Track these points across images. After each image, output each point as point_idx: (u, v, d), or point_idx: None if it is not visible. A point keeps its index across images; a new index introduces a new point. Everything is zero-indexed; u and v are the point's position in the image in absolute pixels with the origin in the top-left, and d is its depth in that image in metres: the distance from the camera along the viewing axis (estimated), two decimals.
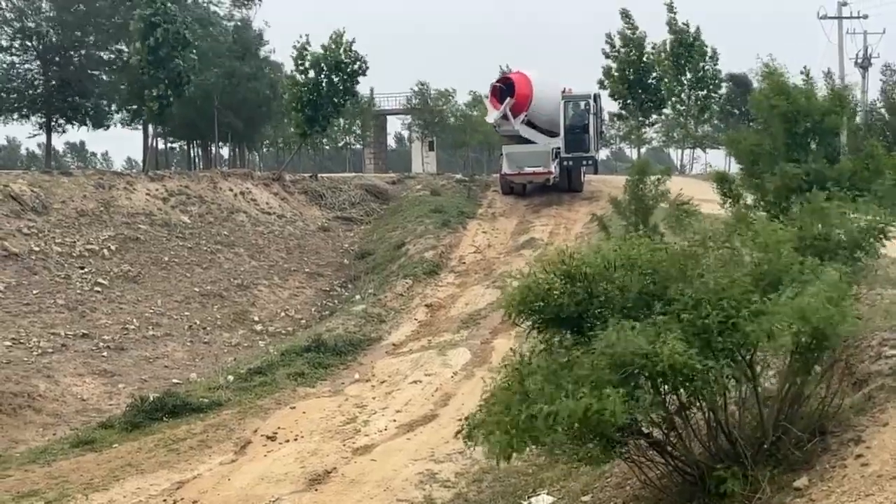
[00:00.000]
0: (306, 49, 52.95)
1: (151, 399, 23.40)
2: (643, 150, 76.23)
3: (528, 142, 49.07)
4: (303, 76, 52.98)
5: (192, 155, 79.90)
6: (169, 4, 49.55)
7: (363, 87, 73.01)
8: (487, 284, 33.61)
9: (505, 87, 48.59)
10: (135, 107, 59.43)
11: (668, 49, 63.84)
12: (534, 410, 9.58)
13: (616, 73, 64.58)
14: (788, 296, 9.76)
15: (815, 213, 12.12)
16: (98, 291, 33.49)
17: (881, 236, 12.04)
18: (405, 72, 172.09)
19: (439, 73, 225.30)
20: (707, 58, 64.27)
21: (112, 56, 61.12)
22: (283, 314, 36.23)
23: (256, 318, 35.15)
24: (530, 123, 49.15)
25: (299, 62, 53.22)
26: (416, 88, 74.33)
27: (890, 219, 12.04)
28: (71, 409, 25.66)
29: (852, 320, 9.76)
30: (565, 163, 47.85)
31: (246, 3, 70.60)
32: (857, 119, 45.92)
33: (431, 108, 71.93)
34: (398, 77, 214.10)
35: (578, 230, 39.96)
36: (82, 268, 34.67)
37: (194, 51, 52.04)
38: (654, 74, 64.24)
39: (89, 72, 59.86)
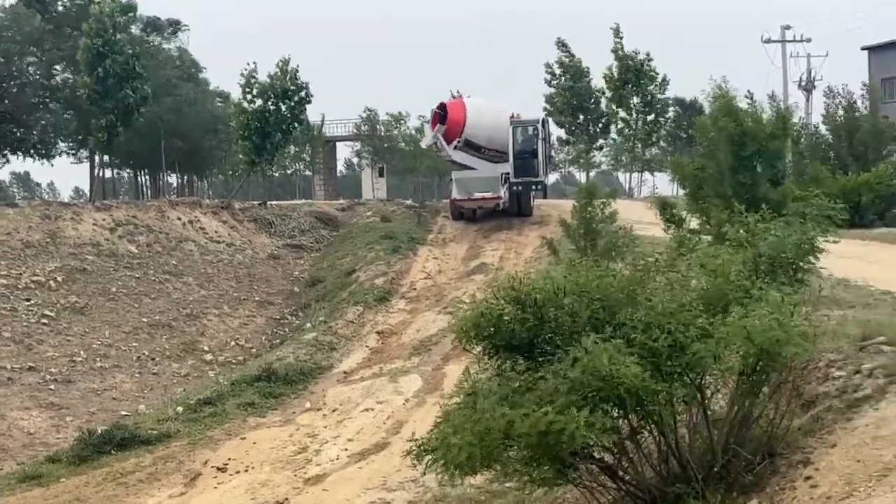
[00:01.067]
0: (254, 77, 52.85)
1: (99, 432, 23.09)
2: (592, 173, 76.67)
3: (466, 167, 49.32)
4: (250, 104, 52.77)
5: (139, 184, 79.17)
6: (118, 35, 49.18)
7: (313, 113, 73.07)
8: (439, 310, 33.54)
9: (443, 114, 48.92)
10: (81, 137, 58.78)
11: (613, 74, 64.41)
12: (492, 423, 9.55)
13: (557, 101, 65.38)
14: (734, 318, 9.82)
15: (753, 236, 12.25)
16: (45, 324, 33.09)
17: (814, 252, 12.21)
18: (357, 97, 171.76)
19: (392, 97, 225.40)
20: (656, 83, 64.89)
21: (57, 85, 60.45)
22: (233, 343, 35.94)
23: (206, 348, 34.83)
24: (475, 148, 49.35)
25: (247, 90, 53.05)
26: (364, 115, 74.40)
27: (815, 233, 12.22)
28: (17, 444, 25.29)
29: (798, 341, 9.83)
30: (515, 188, 48.01)
31: (175, 31, 70.46)
32: (802, 142, 46.71)
33: (380, 134, 71.87)
34: (350, 102, 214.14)
35: (529, 254, 40.03)
36: (28, 300, 34.24)
37: (148, 82, 51.77)
38: (594, 99, 65.09)
39: (33, 101, 59.11)
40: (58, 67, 60.07)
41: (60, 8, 60.21)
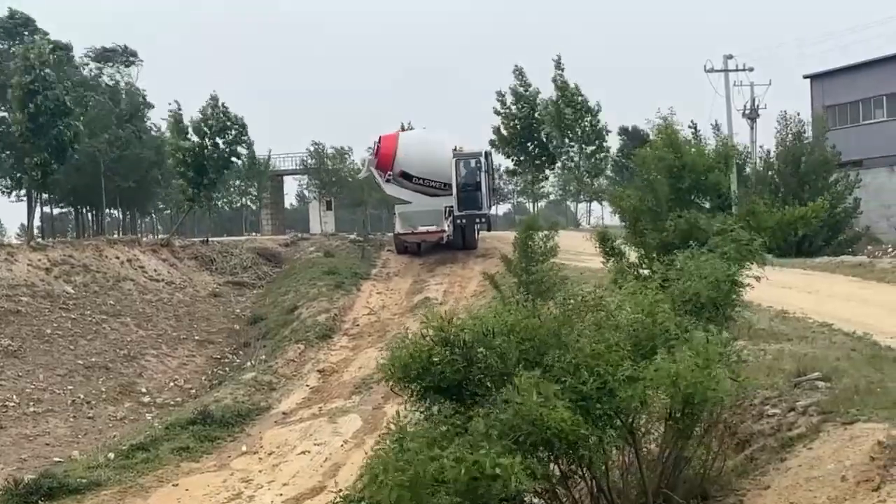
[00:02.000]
0: (180, 114, 52.63)
1: (26, 481, 22.34)
2: (542, 203, 76.91)
3: (403, 201, 49.35)
4: (184, 141, 52.23)
5: (80, 221, 78.06)
6: (47, 71, 48.49)
7: (261, 148, 72.69)
8: (381, 347, 32.93)
9: (378, 146, 49.42)
10: (17, 175, 57.82)
11: (553, 105, 64.47)
12: (419, 468, 9.15)
13: (505, 132, 65.28)
14: (660, 361, 9.55)
15: (680, 272, 12.03)
16: None
17: (735, 288, 12.02)
18: (303, 130, 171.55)
19: (339, 131, 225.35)
20: (590, 113, 64.95)
21: None
22: (171, 384, 35.22)
23: (144, 390, 34.09)
24: (410, 180, 49.46)
25: (177, 126, 52.64)
26: (311, 148, 74.06)
27: (734, 270, 12.04)
28: None
29: (724, 384, 9.56)
30: (458, 221, 47.79)
31: (129, 62, 69.89)
32: (747, 170, 46.89)
33: (328, 167, 71.53)
34: (296, 136, 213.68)
35: (473, 288, 39.76)
36: None
37: (80, 118, 51.08)
38: (544, 130, 64.98)
39: None
40: None
41: None
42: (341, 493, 10.29)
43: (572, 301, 11.81)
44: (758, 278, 12.67)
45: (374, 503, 9.61)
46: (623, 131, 73.88)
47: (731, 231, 13.41)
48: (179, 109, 52.91)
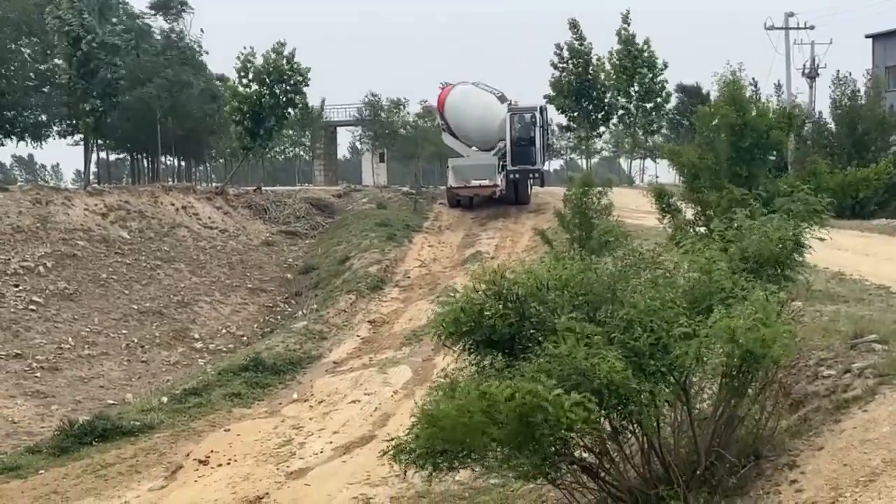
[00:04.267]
0: (251, 61, 52.40)
1: (80, 422, 22.67)
2: (594, 160, 76.21)
3: (455, 153, 49.87)
4: (245, 88, 52.32)
5: (135, 167, 78.73)
6: (86, 16, 48.69)
7: (314, 97, 72.63)
8: (432, 299, 33.02)
9: None
10: (72, 121, 58.34)
11: (615, 60, 63.64)
12: (469, 406, 9.10)
13: (564, 85, 64.48)
14: (717, 317, 9.46)
15: (740, 231, 11.88)
16: (33, 310, 32.79)
17: (798, 248, 11.85)
18: (359, 81, 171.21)
19: (395, 82, 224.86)
20: (655, 69, 64.08)
21: (49, 68, 59.89)
22: (224, 331, 35.59)
23: (196, 336, 34.50)
24: (453, 135, 49.74)
25: (242, 74, 52.63)
26: (367, 99, 73.90)
27: (800, 229, 11.87)
28: (0, 433, 24.87)
29: (783, 342, 9.45)
30: (512, 175, 47.66)
31: (180, 11, 70.04)
32: (806, 131, 46.22)
33: (382, 119, 71.29)
34: (352, 86, 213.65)
35: (525, 243, 39.65)
36: (17, 286, 33.93)
37: (122, 60, 51.34)
38: (601, 86, 64.16)
39: (26, 84, 58.63)
40: (49, 56, 59.58)
41: None
42: (393, 441, 10.29)
43: (630, 257, 11.74)
44: (822, 239, 12.46)
45: (426, 445, 9.67)
46: (681, 89, 72.82)
47: (800, 191, 13.17)
48: (252, 54, 52.87)
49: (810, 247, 12.08)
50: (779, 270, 11.62)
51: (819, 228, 12.57)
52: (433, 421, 9.40)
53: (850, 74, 50.45)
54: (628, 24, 63.94)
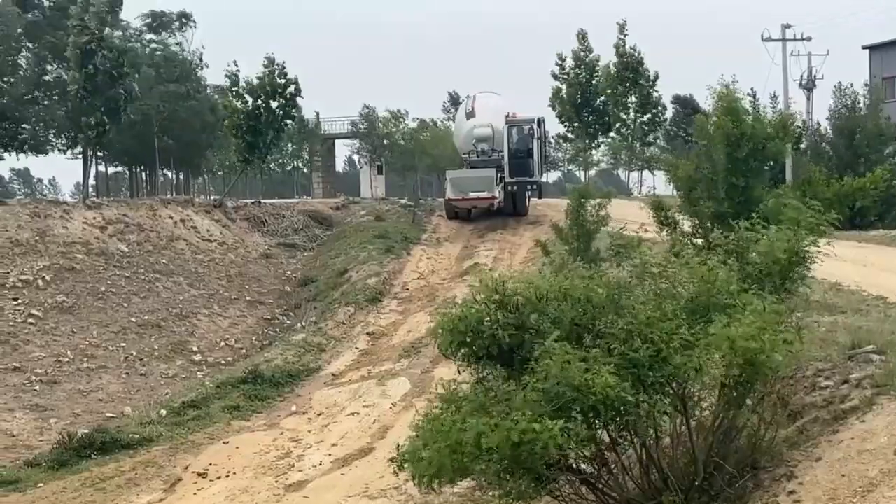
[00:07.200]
0: (236, 76, 52.63)
1: (80, 436, 22.74)
2: (592, 172, 76.17)
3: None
4: (240, 103, 52.38)
5: (134, 180, 78.72)
6: (107, 30, 48.80)
7: (308, 110, 72.59)
8: (430, 311, 33.10)
9: None
10: (73, 134, 58.31)
11: (613, 72, 63.73)
12: (463, 435, 9.26)
13: (565, 95, 64.57)
14: (718, 326, 9.49)
15: (741, 242, 11.91)
16: (31, 323, 32.78)
17: (805, 263, 11.84)
18: (356, 94, 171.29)
19: (391, 95, 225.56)
20: (649, 81, 64.20)
21: (50, 80, 59.88)
22: (222, 344, 35.58)
23: (195, 349, 34.49)
24: None
25: (233, 89, 52.76)
26: (362, 112, 73.94)
27: (808, 242, 11.85)
28: None
29: (783, 351, 9.49)
30: (510, 187, 47.72)
31: (182, 26, 70.13)
32: (803, 142, 46.34)
33: (378, 131, 71.32)
34: (346, 99, 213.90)
35: (523, 255, 39.69)
36: (15, 299, 33.93)
37: (136, 76, 51.45)
38: (601, 98, 64.27)
39: (26, 97, 58.57)
40: (50, 67, 59.55)
41: (46, 4, 59.89)
42: (398, 451, 10.32)
43: (640, 267, 11.70)
44: (827, 254, 12.38)
45: (418, 469, 9.73)
46: (676, 100, 72.99)
47: (807, 205, 13.07)
48: (237, 70, 53.02)
49: (818, 260, 12.03)
50: (782, 282, 11.63)
51: (827, 242, 12.45)
52: (424, 446, 9.54)
53: (852, 85, 50.67)
54: (625, 36, 64.13)
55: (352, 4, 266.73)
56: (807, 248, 11.84)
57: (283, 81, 52.04)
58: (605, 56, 64.94)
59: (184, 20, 70.38)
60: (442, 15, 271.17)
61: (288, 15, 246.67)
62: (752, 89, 61.55)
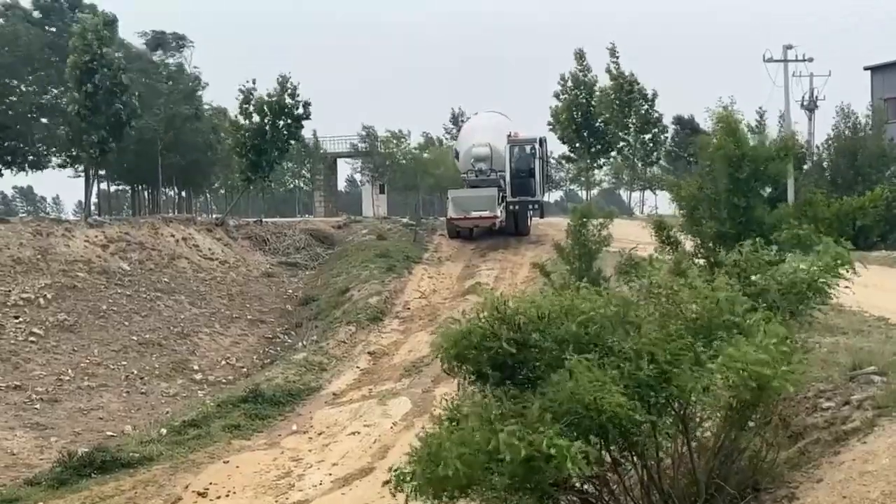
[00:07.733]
0: (252, 94, 52.54)
1: (80, 454, 22.68)
2: (595, 191, 76.25)
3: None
4: (247, 121, 52.44)
5: (136, 199, 78.82)
6: (106, 49, 48.89)
7: (308, 130, 72.73)
8: (432, 331, 33.07)
9: None
10: (74, 152, 58.36)
11: (611, 94, 63.89)
12: (476, 446, 9.16)
13: (564, 116, 64.70)
14: (730, 348, 9.45)
15: (748, 263, 11.84)
16: (32, 341, 32.76)
17: (822, 293, 11.57)
18: (353, 113, 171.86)
19: (393, 114, 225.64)
20: (646, 101, 64.35)
21: (50, 99, 59.95)
22: (223, 363, 35.55)
23: (196, 367, 34.46)
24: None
25: (244, 106, 52.75)
26: (362, 133, 74.14)
27: (830, 275, 11.58)
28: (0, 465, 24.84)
29: (796, 377, 9.45)
30: (511, 207, 47.79)
31: (179, 46, 70.29)
32: (806, 165, 46.34)
33: (381, 151, 71.48)
34: (345, 119, 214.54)
35: (524, 274, 39.68)
36: (17, 317, 33.92)
37: (135, 94, 51.50)
38: (602, 118, 64.40)
39: (28, 116, 58.69)
40: (52, 89, 59.59)
41: (48, 28, 60.07)
42: (393, 470, 10.25)
43: (645, 287, 11.63)
44: (846, 288, 12.08)
45: (427, 479, 9.64)
46: (677, 120, 73.15)
47: (833, 240, 12.63)
48: (254, 87, 53.07)
49: (839, 287, 11.74)
50: (799, 310, 11.51)
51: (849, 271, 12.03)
52: (436, 455, 9.41)
53: (851, 106, 50.76)
54: (616, 58, 64.36)
55: (352, 4, 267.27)
56: (835, 279, 11.53)
57: (293, 102, 52.15)
58: (603, 76, 65.30)
59: (181, 40, 70.56)
60: (442, 15, 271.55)
61: (288, 15, 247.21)
62: (760, 107, 61.81)
